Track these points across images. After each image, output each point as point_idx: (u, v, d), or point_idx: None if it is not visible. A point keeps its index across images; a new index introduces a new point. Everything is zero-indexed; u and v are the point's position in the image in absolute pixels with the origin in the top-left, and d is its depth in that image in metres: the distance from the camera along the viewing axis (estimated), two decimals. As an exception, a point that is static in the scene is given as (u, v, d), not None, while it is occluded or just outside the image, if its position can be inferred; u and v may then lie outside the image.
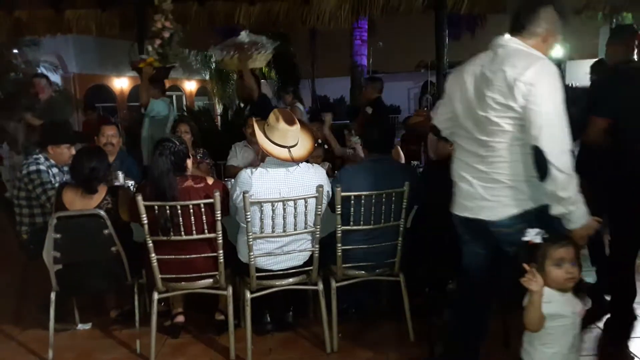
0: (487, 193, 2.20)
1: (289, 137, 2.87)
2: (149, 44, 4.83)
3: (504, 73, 2.07)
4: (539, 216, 2.13)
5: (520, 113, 2.05)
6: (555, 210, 2.04)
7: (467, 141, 2.28)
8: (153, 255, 2.87)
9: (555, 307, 1.95)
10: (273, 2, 7.24)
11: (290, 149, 2.87)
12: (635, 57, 3.26)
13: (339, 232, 2.94)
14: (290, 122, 2.88)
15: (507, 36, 2.21)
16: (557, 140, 2.00)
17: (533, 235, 1.99)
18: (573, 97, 2.45)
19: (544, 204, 2.10)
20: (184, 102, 24.04)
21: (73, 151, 3.58)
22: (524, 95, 2.02)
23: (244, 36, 5.27)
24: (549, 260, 1.95)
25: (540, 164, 2.01)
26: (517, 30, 2.20)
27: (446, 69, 6.86)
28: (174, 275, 2.96)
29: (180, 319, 3.34)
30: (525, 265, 1.94)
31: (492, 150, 2.16)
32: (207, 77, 22.77)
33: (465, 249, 2.48)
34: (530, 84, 2.01)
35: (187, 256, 2.90)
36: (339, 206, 2.87)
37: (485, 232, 2.28)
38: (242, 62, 5.15)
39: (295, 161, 2.87)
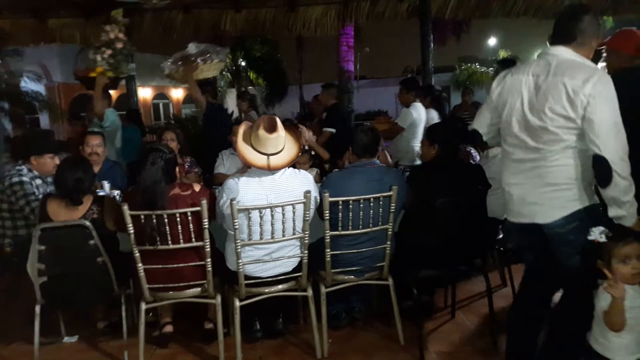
0: (540, 197, 2.27)
1: (268, 144, 2.85)
2: (97, 53, 4.73)
3: (563, 85, 2.14)
4: (587, 216, 2.21)
5: (578, 123, 2.12)
6: (614, 212, 2.13)
7: (518, 149, 2.34)
8: (140, 265, 2.84)
9: (628, 301, 2.00)
10: (259, 10, 7.27)
11: (271, 156, 2.85)
12: (603, 63, 3.33)
13: (328, 237, 2.93)
14: (270, 130, 2.86)
15: (559, 47, 2.28)
16: (618, 148, 2.08)
17: (597, 234, 2.07)
18: None
19: (591, 204, 2.23)
20: (171, 110, 23.94)
21: (57, 161, 3.54)
22: (584, 106, 2.09)
23: (192, 47, 5.24)
24: (615, 258, 2.02)
25: (601, 171, 2.10)
26: (566, 40, 2.27)
27: (431, 73, 6.91)
28: (161, 285, 2.93)
29: (169, 328, 3.30)
30: (607, 272, 2.00)
31: (545, 157, 2.24)
32: (195, 85, 22.71)
33: (525, 255, 2.56)
34: (591, 96, 2.08)
35: (175, 265, 2.87)
36: (327, 211, 2.87)
37: (540, 235, 2.33)
38: (187, 73, 5.14)
39: (271, 169, 2.85)
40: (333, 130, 5.39)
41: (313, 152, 4.57)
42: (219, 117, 5.64)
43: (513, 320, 2.64)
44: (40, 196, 3.31)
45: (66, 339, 3.41)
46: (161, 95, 23.85)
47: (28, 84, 13.84)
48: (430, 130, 3.38)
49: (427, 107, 5.53)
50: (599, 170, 2.12)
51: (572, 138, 2.17)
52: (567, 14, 2.34)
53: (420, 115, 5.28)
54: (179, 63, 5.23)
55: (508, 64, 4.14)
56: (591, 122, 2.08)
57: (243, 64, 21.88)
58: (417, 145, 5.02)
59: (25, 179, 3.43)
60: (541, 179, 2.26)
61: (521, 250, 2.57)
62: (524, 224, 2.38)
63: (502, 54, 22.65)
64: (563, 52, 2.25)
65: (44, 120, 16.36)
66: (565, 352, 2.34)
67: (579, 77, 2.12)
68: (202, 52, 5.20)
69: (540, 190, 2.27)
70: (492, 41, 26.44)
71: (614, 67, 3.09)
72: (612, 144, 2.07)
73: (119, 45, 4.75)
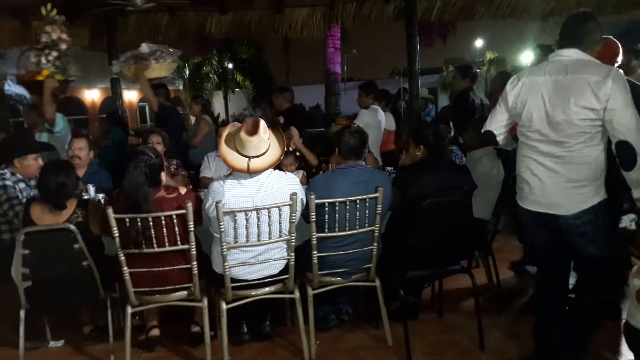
0: (563, 192, 2.50)
1: (249, 147, 2.83)
2: (40, 55, 4.59)
3: (586, 81, 2.38)
4: (600, 209, 2.48)
5: (600, 115, 2.36)
6: (639, 194, 2.40)
7: (542, 143, 2.53)
8: (125, 268, 2.82)
9: None
10: (244, 12, 7.24)
11: (252, 159, 2.84)
12: None
13: (314, 239, 2.93)
14: (252, 133, 2.84)
15: (570, 49, 2.51)
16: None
17: (628, 222, 2.23)
18: None
19: (604, 198, 2.48)
20: (158, 113, 23.75)
21: (40, 161, 3.52)
22: (607, 98, 2.33)
23: (144, 47, 5.19)
24: None
25: (626, 155, 2.35)
26: (575, 43, 2.51)
27: (418, 75, 6.94)
28: (147, 289, 2.91)
29: (155, 332, 3.28)
30: (635, 259, 2.20)
31: (569, 150, 2.45)
32: (181, 87, 22.62)
33: (536, 238, 2.72)
34: (612, 89, 2.33)
35: (161, 268, 2.86)
36: (314, 213, 2.87)
37: (554, 224, 2.55)
38: (138, 72, 5.10)
39: (250, 172, 2.84)
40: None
41: (298, 154, 4.57)
42: (171, 118, 5.62)
43: (539, 309, 2.83)
44: (24, 200, 3.27)
45: (52, 344, 3.37)
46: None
47: (12, 87, 13.68)
48: (416, 132, 3.40)
49: (382, 110, 5.76)
50: (623, 155, 2.36)
51: (592, 130, 2.40)
52: (574, 19, 2.58)
53: (377, 118, 5.37)
54: (131, 62, 5.17)
55: (546, 50, 4.31)
56: (615, 112, 2.33)
57: (230, 66, 21.84)
58: (372, 147, 5.01)
59: (8, 182, 3.39)
60: (565, 174, 2.48)
61: (533, 234, 2.72)
62: (540, 212, 2.58)
63: (489, 55, 22.81)
64: (575, 54, 2.49)
65: (29, 124, 16.16)
66: (584, 329, 2.63)
67: (599, 73, 2.37)
68: (154, 52, 5.16)
69: (564, 186, 2.49)
70: (478, 43, 26.60)
71: None
72: (634, 129, 2.33)
73: (64, 46, 4.55)
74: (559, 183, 2.49)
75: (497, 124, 2.76)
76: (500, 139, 2.78)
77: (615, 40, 3.29)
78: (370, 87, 5.77)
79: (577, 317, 2.67)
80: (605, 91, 2.33)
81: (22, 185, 3.49)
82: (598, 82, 2.35)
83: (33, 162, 3.51)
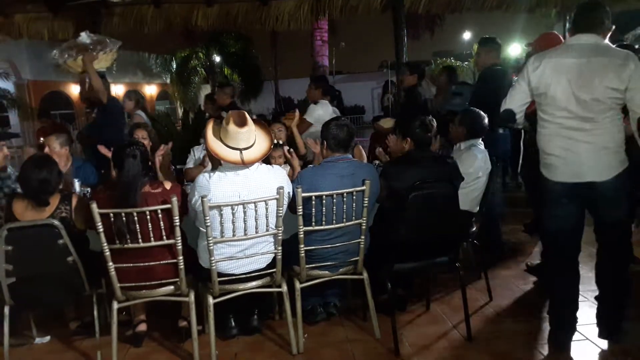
0: (595, 160, 2.70)
1: (239, 139, 2.82)
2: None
3: (609, 62, 2.63)
4: (627, 176, 2.73)
5: (623, 93, 2.61)
6: None
7: (570, 119, 2.72)
8: (110, 264, 2.80)
9: None
10: (231, 4, 7.20)
11: (243, 151, 2.83)
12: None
13: (301, 233, 2.92)
14: (241, 124, 2.83)
15: (587, 35, 2.72)
16: None
17: None
18: None
19: (627, 166, 2.74)
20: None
21: (6, 150, 3.49)
22: (630, 78, 2.58)
23: (84, 37, 5.08)
24: None
25: None
26: (591, 29, 2.73)
27: (405, 67, 6.92)
28: (133, 284, 2.89)
29: (142, 327, 3.26)
30: None
31: (597, 125, 2.67)
32: (168, 81, 22.47)
33: (561, 212, 2.85)
34: (633, 70, 2.59)
35: (146, 263, 2.84)
36: (300, 207, 2.86)
37: (586, 194, 2.76)
38: (86, 63, 4.99)
39: (245, 164, 2.83)
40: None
41: (287, 148, 4.55)
42: (119, 111, 5.53)
43: (556, 277, 2.97)
44: None
45: (38, 340, 3.34)
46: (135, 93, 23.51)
47: (-4, 82, 13.52)
48: (402, 124, 3.39)
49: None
50: None
51: (616, 107, 2.67)
52: (587, 7, 2.80)
53: (328, 112, 5.26)
54: (74, 52, 5.04)
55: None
56: (637, 90, 2.59)
57: (217, 59, 21.71)
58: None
59: None
60: (598, 143, 2.69)
61: (559, 207, 2.85)
62: (576, 183, 2.75)
63: (477, 48, 22.88)
64: (593, 38, 2.71)
65: (14, 119, 16.00)
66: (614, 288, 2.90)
67: (620, 56, 2.63)
68: (98, 42, 5.06)
69: (598, 154, 2.69)
70: (467, 35, 26.63)
71: None
72: None
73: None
74: (593, 151, 2.69)
75: (517, 102, 2.91)
76: (518, 117, 2.93)
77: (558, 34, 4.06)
78: (321, 81, 5.71)
79: (610, 280, 2.91)
80: (627, 72, 2.58)
81: None
82: (620, 64, 2.60)
83: None
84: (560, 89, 2.70)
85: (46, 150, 3.92)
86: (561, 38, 4.05)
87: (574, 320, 2.94)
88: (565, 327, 2.93)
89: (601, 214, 2.83)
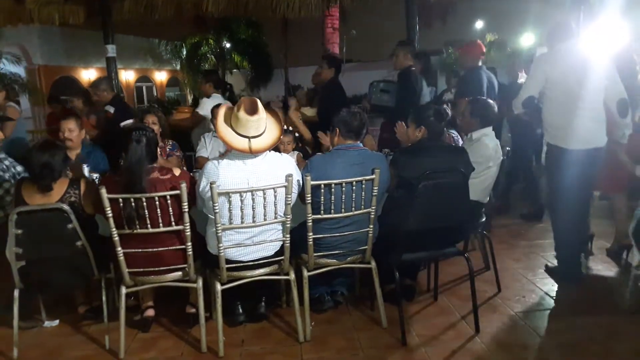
0: (598, 129, 3.57)
1: (249, 127, 2.80)
2: None
3: (595, 61, 3.53)
4: None
5: (605, 83, 3.55)
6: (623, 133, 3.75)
7: (578, 100, 3.49)
8: (119, 249, 2.81)
9: None
10: (242, -10, 7.11)
11: (252, 139, 2.81)
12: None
13: (310, 221, 2.91)
14: (252, 112, 2.81)
15: (572, 40, 3.67)
16: None
17: None
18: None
19: None
20: (155, 93, 23.65)
21: (1, 134, 3.50)
22: (610, 75, 3.59)
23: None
24: None
25: (624, 107, 3.60)
26: (569, 37, 3.69)
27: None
28: (142, 269, 2.90)
29: (150, 312, 3.28)
30: None
31: (594, 102, 3.52)
32: (178, 68, 22.42)
33: (572, 172, 3.54)
34: (612, 68, 3.61)
35: (155, 249, 2.84)
36: (309, 195, 2.85)
37: (586, 160, 3.52)
38: None
39: (253, 152, 2.81)
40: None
41: (297, 134, 4.54)
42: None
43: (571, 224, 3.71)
44: (3, 172, 3.27)
45: (47, 324, 3.38)
46: (144, 78, 23.55)
47: (7, 66, 13.54)
48: (416, 113, 3.36)
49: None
50: (622, 107, 3.59)
51: (602, 90, 3.54)
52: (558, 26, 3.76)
53: None
54: None
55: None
56: (616, 82, 3.57)
57: (228, 46, 21.61)
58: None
59: None
60: (596, 117, 3.54)
61: (566, 170, 3.56)
62: (587, 149, 3.52)
63: (489, 37, 22.58)
64: (577, 44, 3.65)
65: (25, 104, 16.07)
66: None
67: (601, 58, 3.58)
68: None
69: (597, 125, 3.55)
70: (479, 24, 26.32)
71: (466, 65, 5.18)
72: (624, 92, 3.59)
73: None
74: (595, 123, 3.53)
75: (535, 89, 3.69)
76: (536, 100, 3.72)
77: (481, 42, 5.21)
78: (211, 74, 5.62)
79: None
80: (608, 69, 3.52)
81: None
82: (603, 64, 3.50)
83: None
84: (570, 76, 3.53)
85: (61, 134, 3.93)
86: (483, 47, 5.16)
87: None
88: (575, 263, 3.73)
89: (588, 177, 3.66)
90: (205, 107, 5.27)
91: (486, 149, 3.57)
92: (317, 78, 5.34)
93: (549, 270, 3.92)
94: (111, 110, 5.27)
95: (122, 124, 4.99)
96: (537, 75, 3.65)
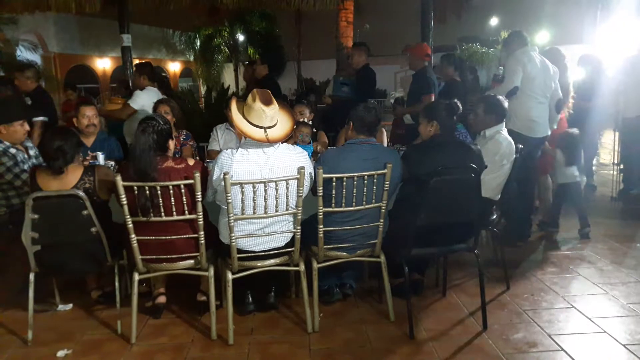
0: (547, 122, 4.56)
1: (265, 117, 2.84)
2: None
3: (550, 66, 4.56)
4: None
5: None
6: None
7: (543, 97, 4.49)
8: (133, 236, 2.85)
9: None
10: (257, -18, 7.13)
11: (267, 129, 2.84)
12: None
13: (321, 213, 2.94)
14: (267, 103, 2.86)
15: (532, 48, 4.64)
16: None
17: None
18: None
19: None
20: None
21: (27, 127, 3.56)
22: (556, 78, 4.61)
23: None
24: None
25: (560, 105, 4.69)
26: (527, 44, 4.68)
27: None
28: (154, 257, 2.94)
29: (162, 299, 3.33)
30: None
31: (549, 99, 4.56)
32: (192, 59, 22.49)
33: (533, 155, 4.49)
34: (556, 73, 4.60)
35: (168, 237, 2.89)
36: (321, 188, 2.87)
37: (539, 145, 4.57)
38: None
39: (270, 142, 2.85)
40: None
41: (314, 130, 4.56)
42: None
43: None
44: (23, 164, 3.35)
45: (60, 307, 3.44)
46: (158, 69, 23.66)
47: (23, 53, 13.68)
48: (429, 108, 3.36)
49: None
50: (559, 105, 4.65)
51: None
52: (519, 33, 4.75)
53: (152, 100, 4.92)
54: None
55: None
56: (558, 85, 4.61)
57: (241, 38, 21.64)
58: None
59: (12, 150, 3.45)
60: (549, 113, 4.54)
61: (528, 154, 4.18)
62: (542, 137, 4.51)
63: (504, 34, 22.43)
64: (536, 51, 4.60)
65: (40, 91, 16.18)
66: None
67: (552, 64, 4.61)
68: None
69: (547, 119, 4.54)
70: (493, 21, 26.12)
71: (413, 66, 5.51)
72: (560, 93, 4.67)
73: None
74: (547, 116, 4.52)
75: (517, 82, 4.40)
76: (515, 90, 4.43)
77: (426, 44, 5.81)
78: (144, 67, 5.50)
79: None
80: (555, 74, 4.55)
81: (13, 150, 3.52)
82: (555, 70, 4.56)
83: (19, 128, 3.55)
84: (538, 77, 4.48)
85: (85, 120, 3.99)
86: (428, 49, 5.62)
87: None
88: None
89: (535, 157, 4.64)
90: (137, 101, 5.08)
91: (499, 147, 3.57)
92: (354, 63, 5.84)
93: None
94: (28, 102, 5.17)
95: (34, 119, 4.70)
96: (517, 69, 4.40)
